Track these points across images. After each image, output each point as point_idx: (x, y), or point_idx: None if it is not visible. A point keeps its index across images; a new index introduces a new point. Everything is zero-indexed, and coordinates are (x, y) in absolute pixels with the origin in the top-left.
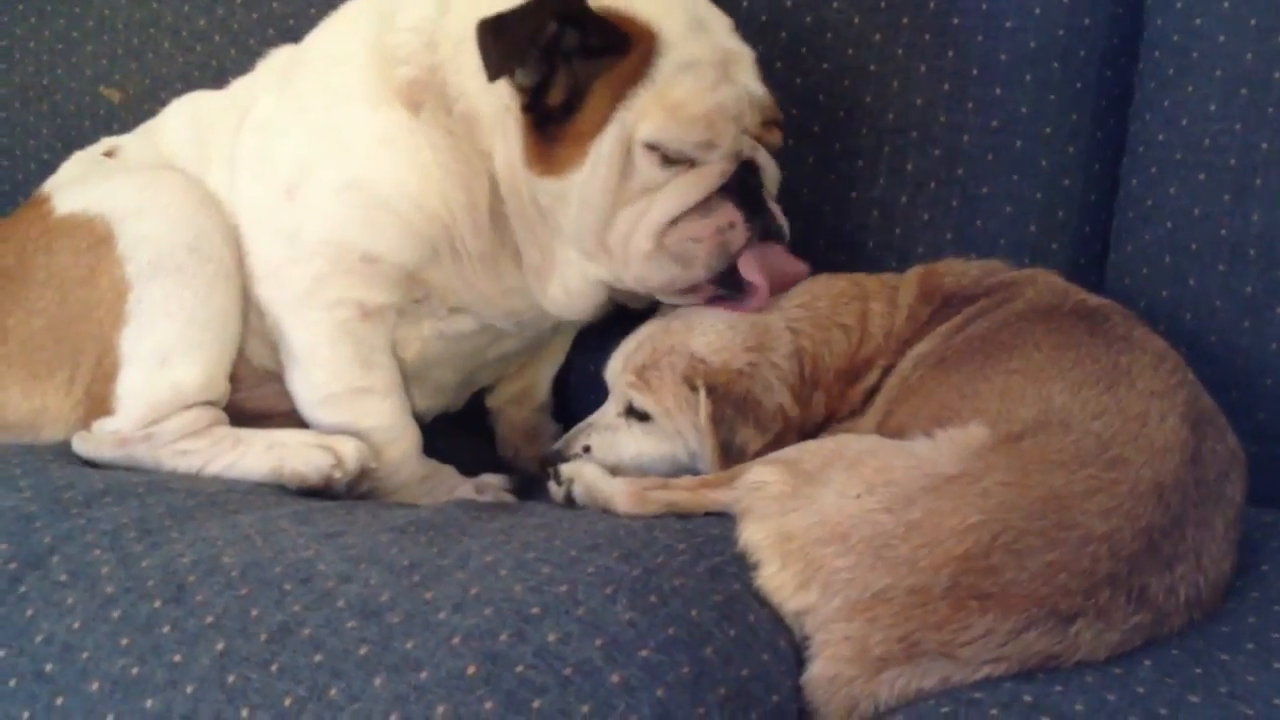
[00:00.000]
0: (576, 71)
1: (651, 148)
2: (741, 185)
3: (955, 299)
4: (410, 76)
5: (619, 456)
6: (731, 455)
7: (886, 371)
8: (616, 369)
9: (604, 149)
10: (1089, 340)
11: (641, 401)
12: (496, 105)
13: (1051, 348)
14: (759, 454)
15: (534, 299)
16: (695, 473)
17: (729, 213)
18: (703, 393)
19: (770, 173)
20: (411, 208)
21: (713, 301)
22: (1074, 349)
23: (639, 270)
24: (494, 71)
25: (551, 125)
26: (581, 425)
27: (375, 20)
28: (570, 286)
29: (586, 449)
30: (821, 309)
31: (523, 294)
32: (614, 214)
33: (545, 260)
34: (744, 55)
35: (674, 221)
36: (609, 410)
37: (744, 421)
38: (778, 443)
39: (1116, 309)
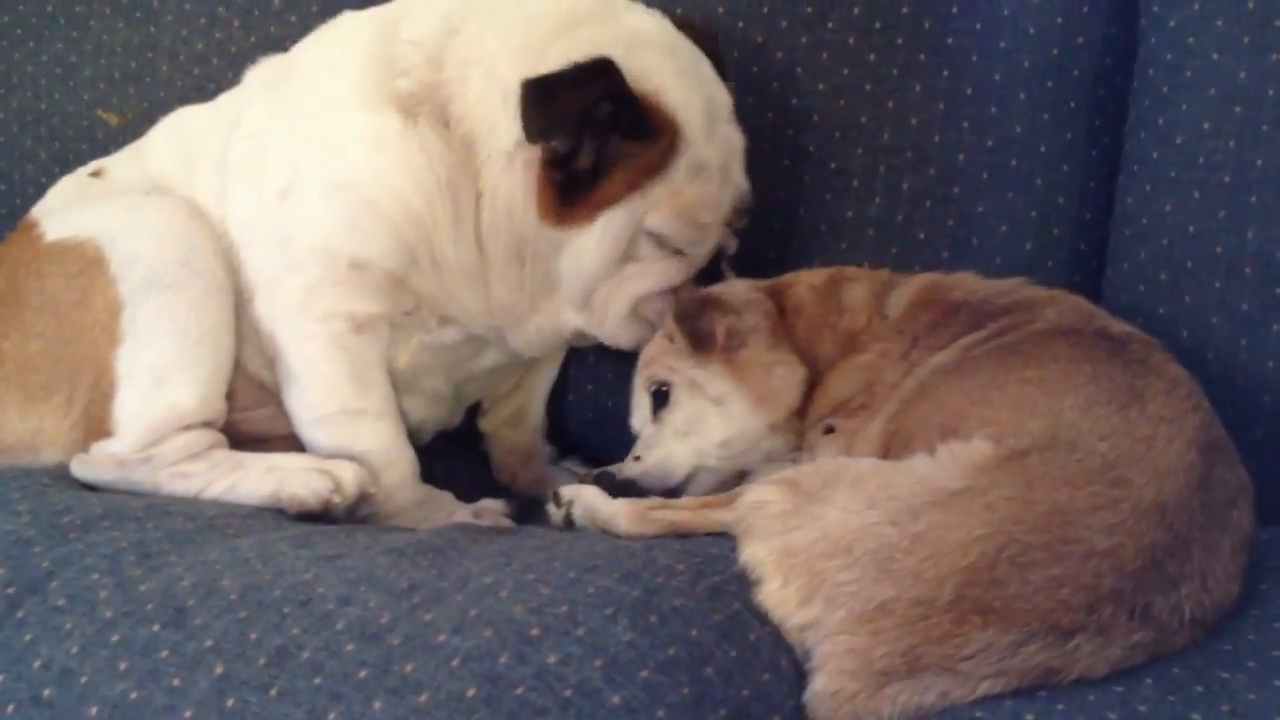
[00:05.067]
0: (604, 145)
1: (653, 235)
2: (709, 268)
3: (963, 311)
4: (409, 89)
5: (670, 448)
6: (703, 341)
7: (886, 356)
8: (635, 385)
9: (615, 223)
10: (1107, 360)
11: (655, 378)
12: (505, 142)
13: (1069, 360)
14: (758, 343)
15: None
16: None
17: (689, 288)
18: (667, 316)
19: (731, 249)
20: (396, 207)
21: None
22: (1091, 364)
23: (612, 330)
24: (535, 136)
25: (569, 185)
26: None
27: (375, 31)
28: (545, 328)
29: (637, 459)
30: (787, 276)
31: (503, 315)
32: (603, 278)
33: (525, 303)
34: (738, 149)
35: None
36: (643, 422)
37: (707, 310)
38: (772, 339)
39: (1137, 336)
